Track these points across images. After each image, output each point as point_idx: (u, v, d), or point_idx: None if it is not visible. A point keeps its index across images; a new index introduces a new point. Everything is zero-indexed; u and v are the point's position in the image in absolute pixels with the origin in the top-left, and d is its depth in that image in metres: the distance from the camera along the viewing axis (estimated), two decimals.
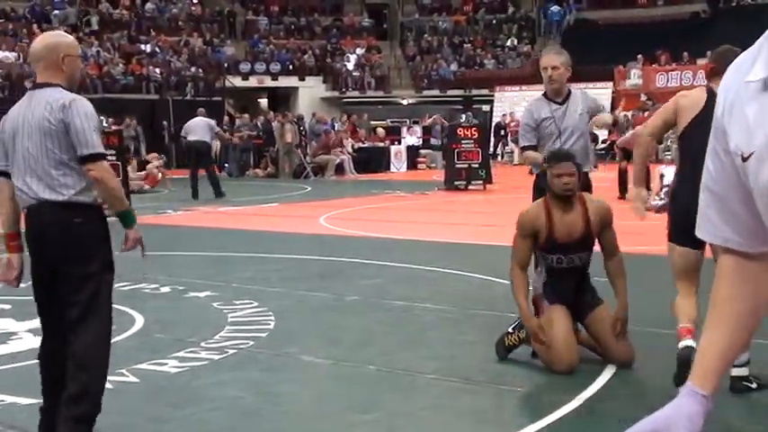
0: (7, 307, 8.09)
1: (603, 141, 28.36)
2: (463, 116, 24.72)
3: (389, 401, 5.33)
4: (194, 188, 19.47)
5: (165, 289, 8.91)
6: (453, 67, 40.06)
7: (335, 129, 29.42)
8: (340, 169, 26.96)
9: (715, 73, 5.52)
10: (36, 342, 6.78)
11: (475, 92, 38.05)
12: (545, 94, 6.64)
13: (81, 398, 4.36)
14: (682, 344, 5.16)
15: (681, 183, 5.34)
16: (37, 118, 4.38)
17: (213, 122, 21.39)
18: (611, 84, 34.27)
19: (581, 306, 5.93)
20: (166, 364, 6.09)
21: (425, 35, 42.31)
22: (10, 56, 31.47)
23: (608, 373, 5.73)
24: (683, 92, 5.70)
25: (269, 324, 7.29)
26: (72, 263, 4.40)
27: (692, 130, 5.25)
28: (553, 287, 5.93)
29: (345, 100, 38.56)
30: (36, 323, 7.34)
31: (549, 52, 6.96)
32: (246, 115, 31.14)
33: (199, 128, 19.90)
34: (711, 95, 5.16)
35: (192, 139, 19.81)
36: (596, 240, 5.95)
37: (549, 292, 5.93)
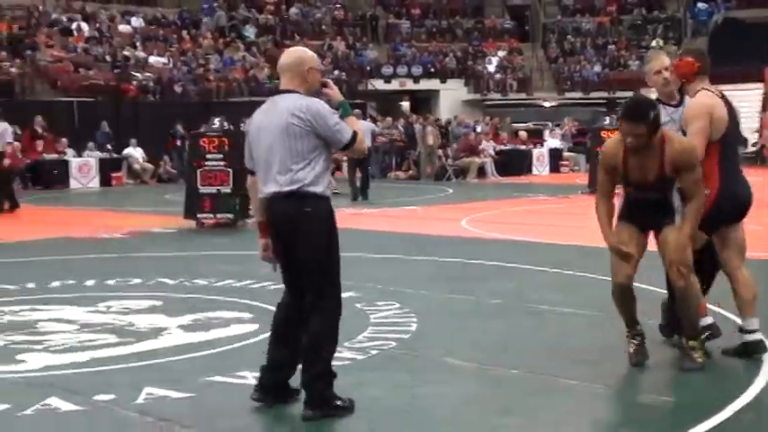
0: (159, 303, 8.37)
1: (754, 144, 27.47)
2: (607, 119, 24.29)
3: (532, 406, 5.28)
4: (354, 190, 19.82)
5: None
6: (597, 68, 39.46)
7: (477, 131, 29.33)
8: (482, 172, 26.89)
9: (703, 72, 6.19)
10: (185, 338, 7.02)
11: (619, 93, 37.35)
12: (658, 99, 6.36)
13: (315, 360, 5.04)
14: None
15: None
16: (281, 120, 4.97)
17: (374, 126, 21.71)
18: (762, 84, 33.15)
19: (658, 226, 5.98)
20: None
21: (568, 36, 41.80)
22: (161, 61, 32.49)
23: (761, 382, 5.54)
24: None
25: (411, 326, 7.31)
26: (303, 249, 4.99)
27: None
28: (630, 211, 6.04)
29: (487, 102, 38.42)
30: (185, 319, 7.60)
31: (659, 54, 6.72)
32: (389, 118, 31.36)
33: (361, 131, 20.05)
34: None
35: None
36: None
37: (626, 215, 6.06)
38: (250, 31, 35.97)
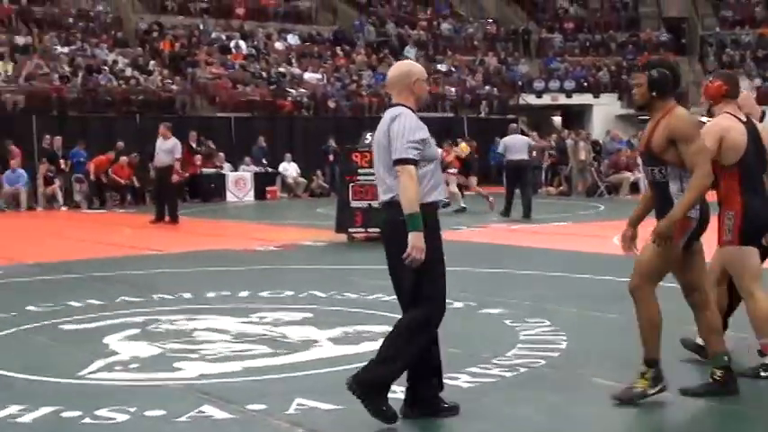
0: (310, 315, 8.50)
1: None
2: None
3: (687, 429, 5.12)
4: (508, 206, 19.35)
5: (458, 304, 9.01)
6: (757, 81, 38.18)
7: (629, 146, 28.76)
8: (635, 188, 26.34)
9: (730, 95, 6.16)
10: (335, 350, 7.10)
11: None
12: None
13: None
14: None
15: None
16: (379, 133, 5.22)
17: (530, 140, 21.43)
18: None
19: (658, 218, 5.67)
20: (458, 378, 6.16)
21: (727, 49, 40.58)
22: (315, 77, 33.10)
23: None
24: None
25: (561, 344, 7.21)
26: (396, 257, 5.08)
27: None
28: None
29: (641, 117, 37.63)
30: (336, 332, 7.69)
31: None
32: (534, 133, 31.09)
33: (519, 146, 19.75)
34: None
35: (515, 158, 19.49)
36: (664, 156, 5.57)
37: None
38: (411, 52, 36.16)
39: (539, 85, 37.82)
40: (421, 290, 5.11)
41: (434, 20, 40.83)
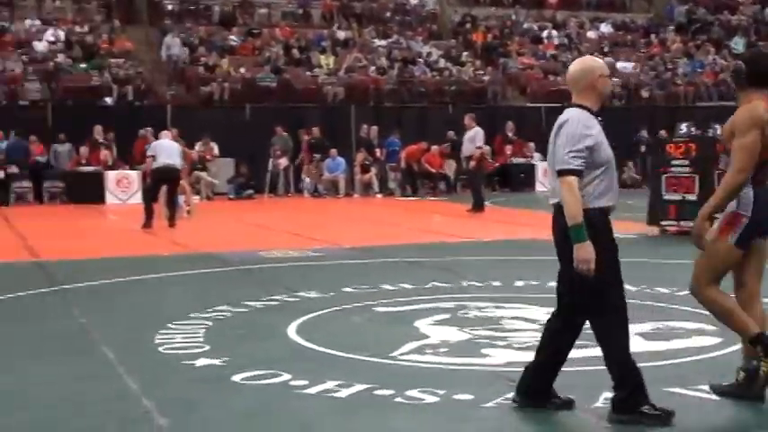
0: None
1: None
2: None
3: None
4: None
5: None
6: None
7: None
8: None
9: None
10: (645, 346, 6.93)
11: None
12: None
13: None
14: None
15: None
16: (552, 134, 5.13)
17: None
18: None
19: None
20: None
21: None
22: (628, 66, 32.40)
23: None
24: None
25: None
26: (563, 262, 5.15)
27: None
28: None
29: None
30: (646, 327, 7.49)
31: None
32: None
33: None
34: None
35: None
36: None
37: None
38: (739, 43, 34.62)
39: None
40: (604, 298, 5.06)
41: (755, 3, 38.77)
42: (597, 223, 5.00)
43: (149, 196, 17.06)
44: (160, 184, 16.85)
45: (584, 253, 4.92)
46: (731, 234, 5.38)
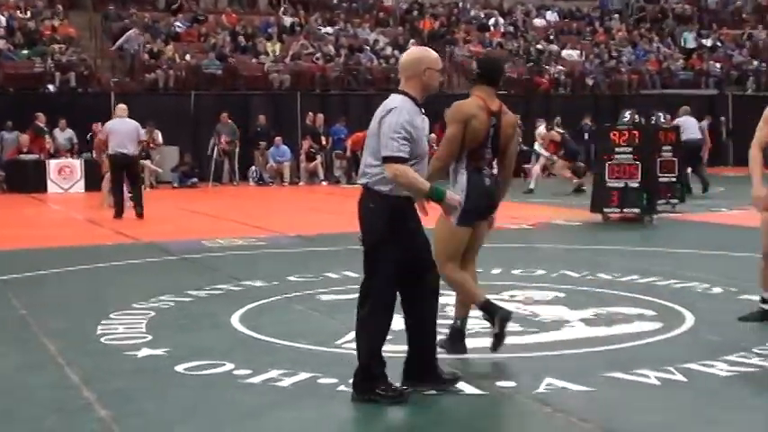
0: (562, 295, 8.44)
1: None
2: None
3: None
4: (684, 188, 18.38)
5: (717, 289, 8.70)
6: None
7: None
8: None
9: None
10: (587, 332, 7.00)
11: None
12: None
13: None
14: None
15: None
16: (375, 118, 5.25)
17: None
18: None
19: None
20: (715, 366, 5.93)
21: None
22: (573, 54, 32.62)
23: None
24: None
25: None
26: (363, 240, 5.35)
27: None
28: None
29: None
30: (588, 313, 7.58)
31: None
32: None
33: (692, 127, 20.36)
34: None
35: (690, 138, 19.79)
36: None
37: None
38: (688, 37, 35.00)
39: None
40: (378, 275, 5.26)
41: None
42: (399, 210, 5.23)
43: (113, 185, 16.43)
44: (118, 172, 16.19)
45: (448, 206, 5.29)
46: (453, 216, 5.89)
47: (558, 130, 22.92)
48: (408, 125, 5.15)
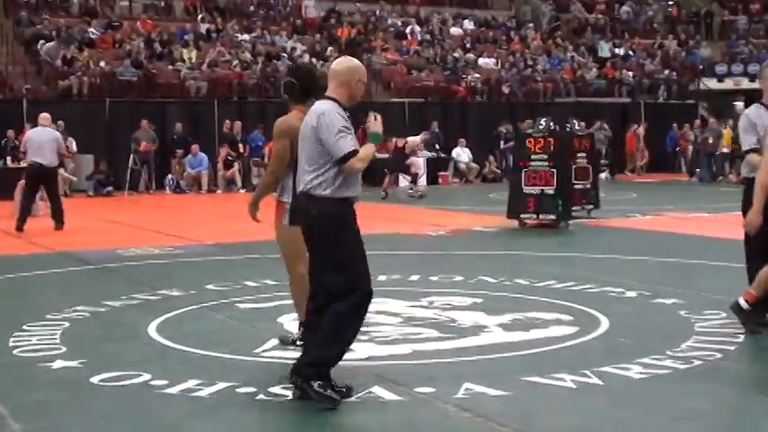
0: (479, 301, 8.51)
1: None
2: None
3: None
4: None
5: (632, 293, 8.85)
6: None
7: None
8: None
9: None
10: (505, 337, 7.07)
11: None
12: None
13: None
14: None
15: None
16: (306, 125, 5.40)
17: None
18: None
19: None
20: (630, 369, 6.04)
21: None
22: (489, 62, 32.94)
23: None
24: None
25: (738, 337, 6.97)
26: (309, 243, 5.48)
27: None
28: None
29: None
30: (505, 318, 7.66)
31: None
32: (712, 120, 30.01)
33: None
34: None
35: None
36: None
37: None
38: (604, 47, 35.56)
39: (721, 69, 36.49)
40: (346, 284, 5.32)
41: (614, 2, 39.97)
42: (341, 213, 5.33)
43: (24, 196, 15.70)
44: (33, 184, 15.66)
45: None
46: (284, 216, 6.29)
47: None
48: (343, 121, 5.30)
